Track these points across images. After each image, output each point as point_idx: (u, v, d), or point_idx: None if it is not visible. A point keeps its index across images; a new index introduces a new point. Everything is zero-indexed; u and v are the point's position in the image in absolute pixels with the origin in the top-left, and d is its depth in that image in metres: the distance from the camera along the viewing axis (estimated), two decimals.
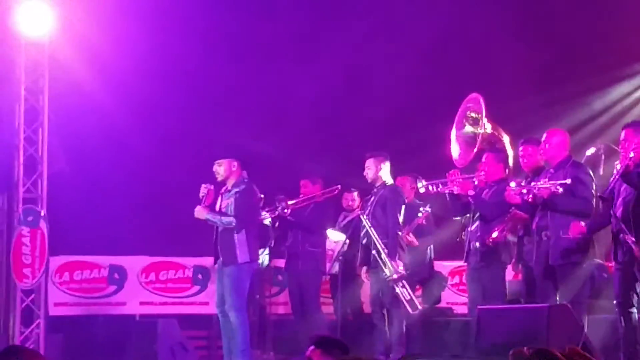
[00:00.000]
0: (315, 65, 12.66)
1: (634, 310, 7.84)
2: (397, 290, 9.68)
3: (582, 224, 8.17)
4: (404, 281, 9.68)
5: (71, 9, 11.39)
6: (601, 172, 9.87)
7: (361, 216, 9.88)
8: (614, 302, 8.03)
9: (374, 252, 9.76)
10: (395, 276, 9.61)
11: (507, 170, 9.45)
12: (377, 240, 9.67)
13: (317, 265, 10.77)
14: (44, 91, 11.54)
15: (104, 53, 11.68)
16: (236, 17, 12.73)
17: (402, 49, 12.92)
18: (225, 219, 9.40)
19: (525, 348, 1.91)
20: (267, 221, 10.57)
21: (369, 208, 9.97)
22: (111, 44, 11.68)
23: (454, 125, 9.86)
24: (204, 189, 9.49)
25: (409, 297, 9.72)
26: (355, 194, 11.30)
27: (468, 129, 9.82)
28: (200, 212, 9.48)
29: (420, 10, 12.70)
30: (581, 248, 8.37)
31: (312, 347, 5.29)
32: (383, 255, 9.65)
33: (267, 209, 10.44)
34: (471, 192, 9.23)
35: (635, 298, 7.83)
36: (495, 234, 8.88)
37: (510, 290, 9.59)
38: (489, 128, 9.49)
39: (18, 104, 11.46)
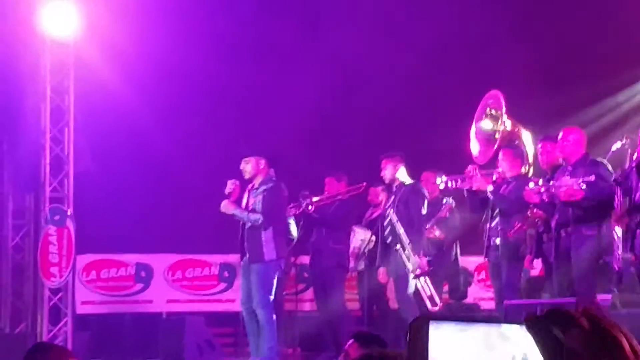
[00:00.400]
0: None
1: None
2: (419, 285, 9.70)
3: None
4: (426, 277, 9.71)
5: (96, 9, 11.44)
6: (627, 165, 9.85)
7: (388, 210, 9.89)
8: None
9: (398, 247, 9.77)
10: (418, 271, 9.63)
11: (526, 166, 9.44)
12: (404, 235, 9.69)
13: (340, 261, 10.77)
14: (69, 91, 11.61)
15: (129, 53, 11.72)
16: (258, 16, 12.75)
17: (408, 49, 12.91)
18: (252, 216, 9.40)
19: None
20: (291, 219, 10.57)
21: (391, 207, 9.99)
22: (135, 44, 11.72)
23: (474, 122, 9.84)
24: (230, 185, 9.50)
25: (429, 293, 9.74)
26: (381, 189, 11.30)
27: (487, 125, 9.79)
28: (227, 207, 9.47)
29: (422, 10, 12.67)
30: (603, 243, 8.39)
31: (351, 341, 5.32)
32: (407, 250, 9.67)
33: (291, 205, 10.45)
34: (490, 188, 9.24)
35: None
36: (515, 228, 8.90)
37: (535, 286, 9.59)
38: (508, 125, 9.45)
39: (44, 103, 11.53)
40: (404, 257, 9.73)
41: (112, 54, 11.72)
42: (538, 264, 9.49)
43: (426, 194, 10.15)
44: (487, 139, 9.77)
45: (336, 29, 12.85)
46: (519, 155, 9.43)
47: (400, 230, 9.73)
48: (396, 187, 10.07)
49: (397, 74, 13.00)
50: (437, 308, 9.72)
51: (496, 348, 2.13)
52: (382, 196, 11.11)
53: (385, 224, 10.07)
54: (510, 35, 12.94)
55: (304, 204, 10.49)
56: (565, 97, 12.62)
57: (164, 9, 12.02)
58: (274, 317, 9.39)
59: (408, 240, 9.70)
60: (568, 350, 1.87)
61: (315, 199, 10.54)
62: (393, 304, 10.60)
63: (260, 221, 9.37)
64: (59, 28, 11.34)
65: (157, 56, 12.13)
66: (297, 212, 10.57)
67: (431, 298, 9.72)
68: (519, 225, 8.94)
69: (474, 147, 9.81)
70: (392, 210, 9.89)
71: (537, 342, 1.92)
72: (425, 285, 9.76)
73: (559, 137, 8.73)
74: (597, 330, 1.91)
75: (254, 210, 9.43)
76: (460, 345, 2.15)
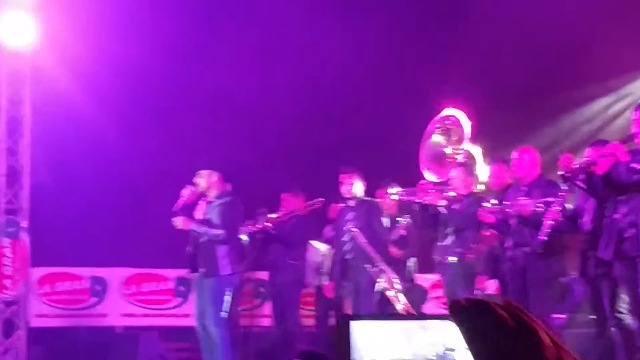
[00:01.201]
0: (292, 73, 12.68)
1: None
2: (392, 300, 9.71)
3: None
4: (399, 294, 9.71)
5: (53, 18, 11.32)
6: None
7: (351, 230, 9.85)
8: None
9: (365, 265, 9.73)
10: (393, 289, 9.64)
11: (477, 184, 9.43)
12: (372, 253, 9.67)
13: (298, 277, 10.73)
14: (25, 101, 11.48)
15: (87, 63, 11.64)
16: (215, 25, 12.69)
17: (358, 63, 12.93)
18: (213, 231, 9.29)
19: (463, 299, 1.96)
20: (244, 237, 10.49)
21: (351, 223, 9.95)
22: (93, 54, 11.65)
23: (425, 139, 9.60)
24: (187, 191, 9.36)
25: (403, 307, 9.75)
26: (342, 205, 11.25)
27: (438, 139, 9.52)
28: (183, 223, 9.32)
29: (367, 27, 12.68)
30: (558, 265, 8.41)
31: None
32: (378, 267, 9.66)
33: (248, 223, 10.39)
34: (442, 203, 9.21)
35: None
36: (472, 249, 8.89)
37: None
38: (466, 145, 9.33)
39: None
40: (372, 273, 9.71)
41: (69, 64, 11.64)
42: (492, 284, 9.49)
43: (383, 211, 10.17)
44: (438, 156, 9.58)
45: (298, 41, 12.85)
46: (471, 173, 9.41)
47: (367, 249, 9.71)
48: (356, 203, 10.04)
49: (351, 87, 13.02)
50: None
51: (416, 337, 2.16)
52: None
53: (344, 239, 10.04)
54: (463, 48, 12.95)
55: (262, 220, 10.45)
56: (515, 114, 12.69)
57: (121, 17, 11.94)
58: (228, 333, 9.32)
59: (377, 256, 9.68)
60: (491, 339, 1.90)
61: (272, 215, 10.50)
62: None
63: (221, 236, 9.28)
64: (15, 38, 11.22)
65: (116, 66, 12.05)
66: (255, 230, 10.52)
67: (406, 311, 9.73)
68: (475, 246, 8.93)
69: (427, 174, 9.57)
70: (355, 229, 9.85)
71: (461, 330, 1.94)
72: (396, 299, 9.76)
73: (514, 156, 8.73)
74: (517, 321, 1.94)
75: (211, 224, 9.33)
76: (382, 338, 2.19)
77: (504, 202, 8.57)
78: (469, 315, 1.95)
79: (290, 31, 12.93)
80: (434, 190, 9.21)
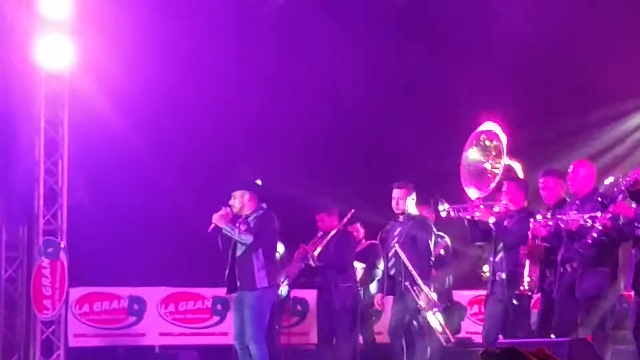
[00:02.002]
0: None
1: None
2: (431, 321, 9.67)
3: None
4: (438, 312, 9.68)
5: (91, 41, 11.48)
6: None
7: (395, 246, 9.83)
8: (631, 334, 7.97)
9: (406, 282, 9.72)
10: (435, 309, 9.63)
11: (528, 199, 9.35)
12: (412, 271, 9.66)
13: (352, 300, 10.63)
14: (64, 123, 11.62)
15: (124, 85, 11.73)
16: (246, 48, 12.77)
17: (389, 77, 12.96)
18: (243, 235, 9.28)
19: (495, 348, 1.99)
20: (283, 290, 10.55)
21: (397, 239, 9.93)
22: (130, 76, 11.75)
23: (462, 163, 9.60)
24: (223, 210, 9.40)
25: (441, 330, 9.71)
26: (359, 225, 11.24)
27: (476, 156, 9.49)
28: (219, 219, 9.29)
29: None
30: (609, 280, 8.32)
31: None
32: (419, 286, 9.64)
33: (293, 264, 10.52)
34: (492, 219, 9.15)
35: None
36: (526, 283, 8.77)
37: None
38: (506, 159, 9.27)
39: (38, 135, 11.54)
40: (413, 292, 9.70)
41: (107, 86, 11.74)
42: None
43: (434, 229, 10.13)
44: (479, 172, 9.54)
45: (332, 59, 12.91)
46: (522, 188, 9.28)
47: (409, 266, 9.68)
48: (404, 218, 10.02)
49: (385, 104, 13.07)
50: (450, 345, 9.67)
51: None
52: (362, 231, 11.10)
53: (389, 255, 10.00)
54: (501, 63, 12.96)
55: (308, 260, 10.46)
56: (555, 129, 12.66)
57: (157, 40, 12.05)
58: (267, 351, 9.31)
59: (418, 276, 9.66)
60: None
61: (316, 252, 10.49)
62: (381, 338, 10.54)
63: (249, 241, 9.27)
64: (54, 60, 11.37)
65: (151, 88, 12.14)
66: (298, 272, 10.57)
67: (443, 334, 9.69)
68: (530, 277, 8.80)
69: (469, 190, 9.53)
70: (398, 246, 9.81)
71: None
72: (436, 321, 9.73)
73: (570, 169, 8.66)
74: None
75: (245, 231, 9.37)
76: None
77: (558, 216, 8.49)
78: None
79: (323, 50, 12.98)
80: (484, 206, 9.14)
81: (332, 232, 10.61)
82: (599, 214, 7.95)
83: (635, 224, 7.83)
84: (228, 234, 9.33)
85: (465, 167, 9.28)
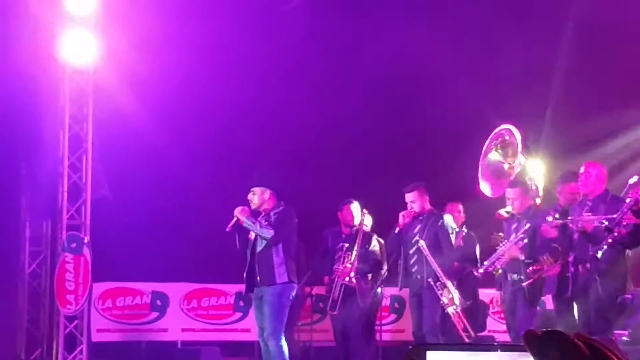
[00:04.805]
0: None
1: None
2: (452, 318, 9.64)
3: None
4: (459, 309, 9.65)
5: (115, 37, 11.50)
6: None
7: (419, 243, 9.79)
8: None
9: (429, 279, 9.70)
10: (454, 306, 9.58)
11: (535, 199, 9.32)
12: (436, 267, 9.65)
13: (374, 301, 10.66)
14: (88, 119, 11.65)
15: (148, 81, 11.74)
16: (272, 44, 12.76)
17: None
18: (263, 230, 9.27)
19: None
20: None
21: (418, 235, 9.89)
22: (154, 72, 11.75)
23: (482, 156, 9.60)
24: (238, 211, 9.38)
25: (463, 325, 9.67)
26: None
27: (496, 157, 9.53)
28: (241, 212, 9.29)
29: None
30: (621, 281, 8.30)
31: None
32: (441, 283, 9.62)
33: (326, 285, 10.67)
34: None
35: None
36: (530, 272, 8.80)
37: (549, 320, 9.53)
38: (522, 159, 9.27)
39: (62, 131, 11.58)
40: (436, 289, 9.67)
41: (131, 82, 11.75)
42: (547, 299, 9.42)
43: (454, 225, 10.10)
44: (497, 171, 9.55)
45: (355, 60, 12.88)
46: (527, 191, 9.30)
47: (434, 264, 9.66)
48: (424, 216, 9.99)
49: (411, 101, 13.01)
50: (471, 340, 9.64)
51: None
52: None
53: (411, 251, 9.97)
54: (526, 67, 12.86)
55: (346, 281, 10.42)
56: (576, 129, 12.55)
57: (181, 36, 12.06)
58: (285, 347, 9.28)
59: (442, 273, 9.64)
60: None
61: (350, 272, 10.45)
62: (404, 335, 10.48)
63: (270, 235, 9.27)
64: (78, 56, 11.41)
65: (176, 84, 12.16)
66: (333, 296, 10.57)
67: (465, 330, 9.65)
68: (534, 268, 8.82)
69: (484, 184, 9.55)
70: (423, 242, 9.78)
71: None
72: (458, 318, 9.69)
73: (581, 170, 8.65)
74: (595, 353, 1.94)
75: (266, 225, 9.35)
76: None
77: (569, 218, 8.48)
78: (546, 345, 1.97)
79: (349, 52, 12.96)
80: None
81: (358, 240, 10.58)
82: (615, 215, 7.97)
83: None
84: (249, 227, 9.32)
85: (485, 166, 9.31)
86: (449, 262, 9.86)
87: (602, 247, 7.96)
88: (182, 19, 12.00)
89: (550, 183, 9.35)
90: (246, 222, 9.32)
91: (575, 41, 12.74)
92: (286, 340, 9.34)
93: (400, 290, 10.34)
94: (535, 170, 9.39)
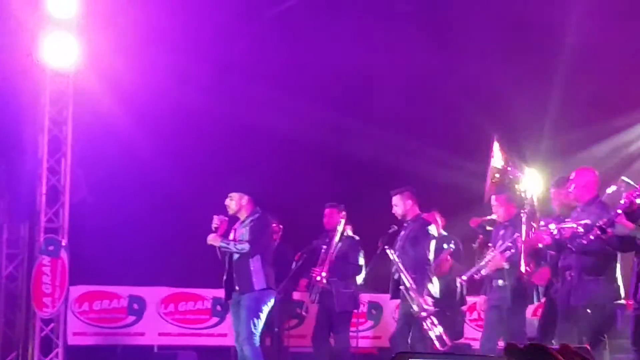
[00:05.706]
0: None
1: None
2: (425, 326, 9.65)
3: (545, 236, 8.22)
4: (432, 317, 9.66)
5: (96, 40, 11.48)
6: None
7: (387, 250, 9.84)
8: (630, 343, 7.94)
9: (401, 287, 9.73)
10: (423, 313, 9.61)
11: (522, 207, 9.34)
12: (406, 275, 9.66)
13: (352, 305, 10.73)
14: (67, 121, 11.62)
15: (128, 84, 11.75)
16: (253, 49, 12.77)
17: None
18: (239, 245, 9.40)
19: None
20: None
21: (399, 242, 9.94)
22: (135, 76, 11.76)
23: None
24: (216, 220, 9.51)
25: (437, 334, 9.69)
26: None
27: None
28: (213, 239, 9.47)
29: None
30: (604, 288, 8.31)
31: None
32: (411, 291, 9.64)
33: (305, 283, 10.68)
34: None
35: None
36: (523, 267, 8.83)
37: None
38: (498, 162, 9.29)
39: (42, 134, 11.54)
40: (407, 297, 9.70)
41: (111, 85, 11.75)
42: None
43: (435, 233, 10.13)
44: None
45: (337, 55, 12.89)
46: (511, 199, 9.35)
47: (403, 271, 9.69)
48: (407, 222, 10.02)
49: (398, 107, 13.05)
50: (445, 349, 9.66)
51: None
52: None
53: (392, 259, 10.00)
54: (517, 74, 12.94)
55: (320, 280, 10.47)
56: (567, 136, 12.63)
57: (162, 40, 12.06)
58: (259, 352, 9.30)
59: (412, 281, 9.66)
60: None
61: (324, 273, 10.51)
62: (379, 342, 10.49)
63: (246, 249, 9.36)
64: (59, 59, 11.38)
65: (156, 87, 12.15)
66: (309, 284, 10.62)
67: (439, 338, 9.67)
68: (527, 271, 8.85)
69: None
70: (391, 250, 9.82)
71: None
72: (432, 326, 9.70)
73: (571, 177, 8.67)
74: None
75: (240, 240, 9.43)
76: None
77: (560, 225, 8.49)
78: (527, 359, 1.97)
79: (330, 59, 12.98)
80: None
81: (336, 241, 10.61)
82: (588, 221, 7.99)
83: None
84: (226, 249, 9.47)
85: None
86: (421, 269, 9.84)
87: (580, 246, 7.98)
88: (163, 23, 11.99)
89: (547, 190, 9.36)
90: (222, 245, 9.48)
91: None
92: (262, 345, 9.37)
93: (390, 299, 10.36)
94: (531, 179, 9.40)
